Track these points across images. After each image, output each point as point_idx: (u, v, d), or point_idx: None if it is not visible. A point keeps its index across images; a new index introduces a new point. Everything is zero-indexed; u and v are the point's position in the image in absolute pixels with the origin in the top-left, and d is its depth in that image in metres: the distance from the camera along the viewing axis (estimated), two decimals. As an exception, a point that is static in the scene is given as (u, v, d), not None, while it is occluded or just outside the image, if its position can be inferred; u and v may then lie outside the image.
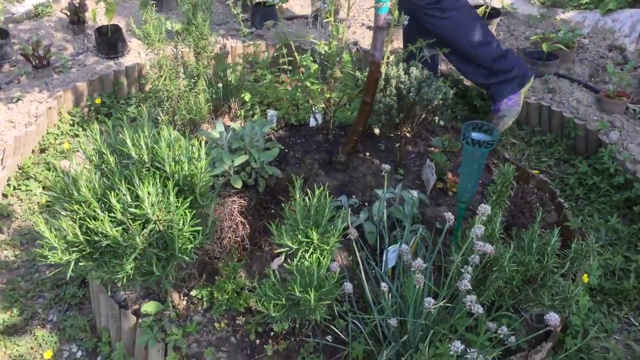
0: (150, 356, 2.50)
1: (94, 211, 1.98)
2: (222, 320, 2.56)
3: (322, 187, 1.99)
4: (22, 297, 3.01)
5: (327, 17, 3.00)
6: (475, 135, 2.47)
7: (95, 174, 2.04)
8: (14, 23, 5.15)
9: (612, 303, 2.96)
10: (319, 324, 2.48)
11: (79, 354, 2.78)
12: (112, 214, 1.94)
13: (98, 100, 4.33)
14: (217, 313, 2.55)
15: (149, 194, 1.90)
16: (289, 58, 3.63)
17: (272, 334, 2.51)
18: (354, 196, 2.93)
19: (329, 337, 2.48)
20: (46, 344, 2.80)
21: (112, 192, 1.93)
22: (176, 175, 2.10)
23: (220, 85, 3.46)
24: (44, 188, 3.70)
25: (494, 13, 5.28)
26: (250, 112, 3.71)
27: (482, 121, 2.50)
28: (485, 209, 1.92)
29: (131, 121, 4.02)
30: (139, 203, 1.95)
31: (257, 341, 2.51)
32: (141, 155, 2.08)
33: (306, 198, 2.01)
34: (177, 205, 2.03)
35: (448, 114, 3.28)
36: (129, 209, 1.93)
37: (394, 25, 2.89)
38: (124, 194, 1.94)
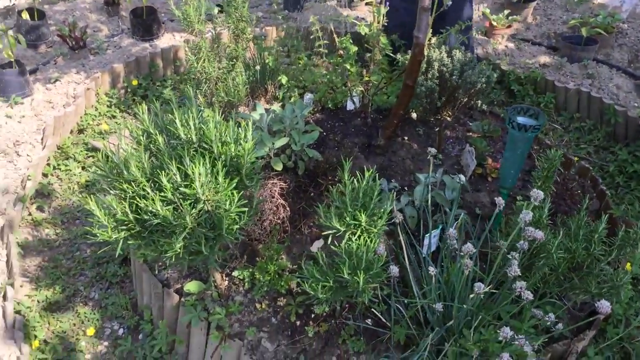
0: (193, 334, 2.54)
1: (144, 190, 2.00)
2: (263, 301, 2.58)
3: (371, 170, 1.98)
4: (64, 275, 3.06)
5: (368, -1, 2.97)
6: (520, 119, 2.44)
7: (145, 153, 2.05)
8: (49, 4, 5.20)
9: (654, 292, 2.92)
10: (359, 307, 2.49)
11: (121, 331, 2.83)
12: (162, 194, 1.96)
13: (135, 82, 4.35)
14: (259, 294, 2.56)
15: (199, 174, 1.91)
16: (326, 41, 3.61)
17: (312, 316, 2.52)
18: (393, 180, 2.92)
19: (368, 321, 2.48)
20: (88, 320, 2.85)
21: (163, 172, 1.95)
22: (223, 156, 2.10)
23: (257, 67, 3.46)
24: (83, 168, 3.74)
25: (531, -4, 5.19)
26: (287, 95, 3.70)
27: (528, 105, 2.47)
28: (537, 194, 1.89)
29: (165, 103, 4.04)
30: (188, 183, 1.97)
31: (298, 322, 2.53)
32: (189, 136, 2.09)
33: (355, 180, 2.01)
34: (224, 186, 2.04)
35: (490, 97, 3.25)
36: (180, 188, 1.94)
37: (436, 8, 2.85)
38: (174, 174, 1.95)
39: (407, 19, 3.14)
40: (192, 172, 1.92)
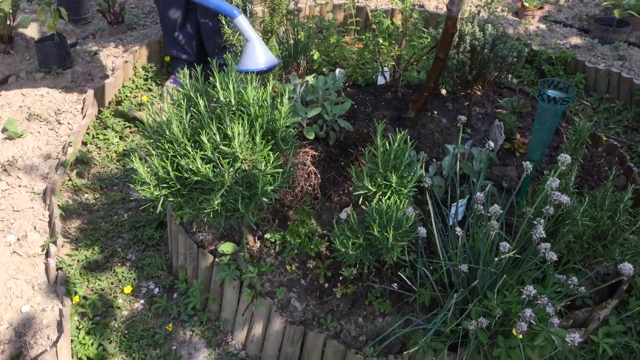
0: (226, 292, 2.65)
1: (185, 149, 2.11)
2: (293, 263, 2.68)
3: (402, 133, 2.06)
4: (103, 237, 3.20)
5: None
6: (551, 92, 2.49)
7: (186, 114, 2.16)
8: (88, -19, 5.34)
9: (679, 268, 2.94)
10: (385, 272, 2.57)
11: (156, 290, 2.96)
12: (202, 152, 2.06)
13: (167, 58, 4.47)
14: (289, 256, 2.67)
15: (238, 133, 2.01)
16: (357, 19, 3.69)
17: (340, 278, 2.62)
18: (421, 152, 2.98)
19: (394, 285, 2.56)
20: (126, 280, 2.99)
21: (203, 131, 2.05)
22: (260, 119, 2.19)
23: (291, 42, 3.54)
24: (121, 138, 3.88)
25: (564, -22, 5.17)
26: (318, 70, 3.78)
27: (559, 79, 2.51)
28: (565, 158, 1.95)
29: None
30: (227, 142, 2.07)
31: (326, 285, 2.63)
32: (228, 98, 2.18)
33: (386, 143, 2.09)
34: (261, 147, 2.13)
35: (519, 73, 3.29)
36: (219, 146, 2.04)
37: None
38: (214, 133, 2.05)
39: None
40: (232, 132, 2.02)
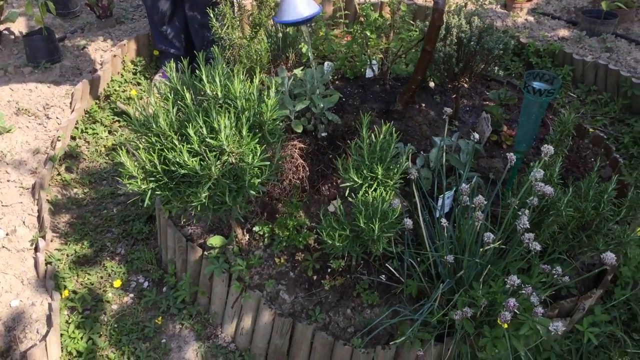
0: (215, 285, 2.67)
1: (172, 143, 2.11)
2: (281, 256, 2.69)
3: (388, 125, 2.07)
4: (92, 232, 3.20)
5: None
6: (536, 84, 2.51)
7: (173, 108, 2.16)
8: (76, -25, 5.31)
9: (663, 257, 2.97)
10: (373, 263, 2.59)
11: (146, 284, 2.96)
12: (189, 145, 2.06)
13: (156, 52, 4.46)
14: (278, 249, 2.68)
15: (224, 126, 2.01)
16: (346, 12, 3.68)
17: (329, 270, 2.63)
18: (409, 144, 3.00)
19: (382, 277, 2.58)
20: (115, 274, 2.99)
21: (190, 124, 2.05)
22: (247, 112, 2.20)
23: (279, 35, 3.53)
24: (110, 132, 3.87)
25: (553, -29, 5.18)
26: (307, 63, 3.78)
27: (545, 71, 2.53)
28: (548, 149, 1.97)
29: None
30: (214, 135, 2.07)
31: (315, 277, 2.64)
32: (215, 92, 2.19)
33: (372, 135, 2.10)
34: (247, 140, 2.14)
35: (505, 65, 3.30)
36: (206, 140, 2.05)
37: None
38: (201, 126, 2.05)
39: None
40: (218, 125, 2.03)
